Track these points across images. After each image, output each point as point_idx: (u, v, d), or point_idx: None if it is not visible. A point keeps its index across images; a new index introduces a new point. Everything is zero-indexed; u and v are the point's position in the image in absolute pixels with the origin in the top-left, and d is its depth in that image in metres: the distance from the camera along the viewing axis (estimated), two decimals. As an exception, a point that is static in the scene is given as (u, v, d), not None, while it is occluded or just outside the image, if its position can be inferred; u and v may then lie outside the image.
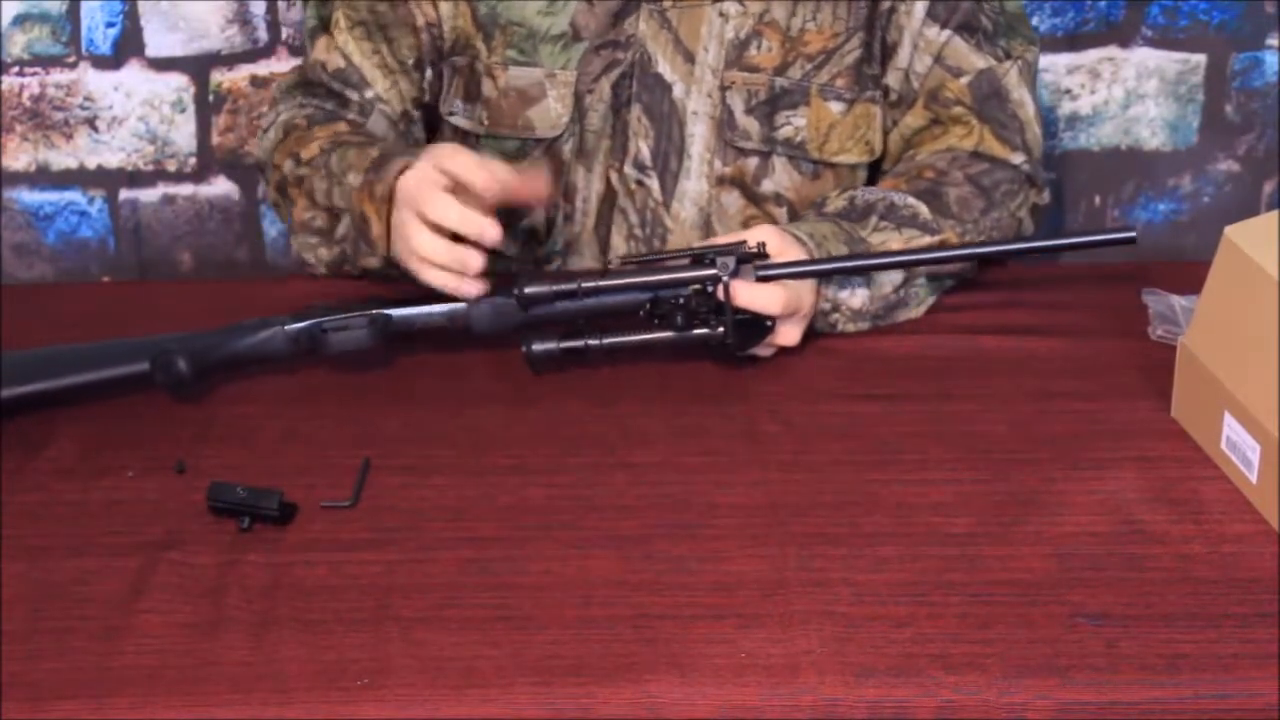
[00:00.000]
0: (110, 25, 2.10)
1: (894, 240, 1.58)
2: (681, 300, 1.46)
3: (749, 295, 1.46)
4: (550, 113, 1.67)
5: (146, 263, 2.21)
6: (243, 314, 1.49)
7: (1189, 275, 1.50)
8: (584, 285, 1.46)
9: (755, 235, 1.50)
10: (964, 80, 1.67)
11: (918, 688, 1.15)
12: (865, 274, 1.56)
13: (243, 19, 2.11)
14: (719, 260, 1.45)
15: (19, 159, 2.15)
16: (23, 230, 2.19)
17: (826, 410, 1.46)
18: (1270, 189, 2.23)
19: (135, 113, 2.14)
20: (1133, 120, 2.20)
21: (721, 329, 1.45)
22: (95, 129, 2.14)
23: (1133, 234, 1.47)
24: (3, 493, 1.35)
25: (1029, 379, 1.51)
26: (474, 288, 1.46)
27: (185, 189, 2.19)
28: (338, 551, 1.28)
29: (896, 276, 1.58)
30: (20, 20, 2.09)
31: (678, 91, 1.66)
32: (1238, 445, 1.34)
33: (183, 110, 2.14)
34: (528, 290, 1.46)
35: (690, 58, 1.65)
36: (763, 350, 1.52)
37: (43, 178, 2.17)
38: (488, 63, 1.67)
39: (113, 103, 2.13)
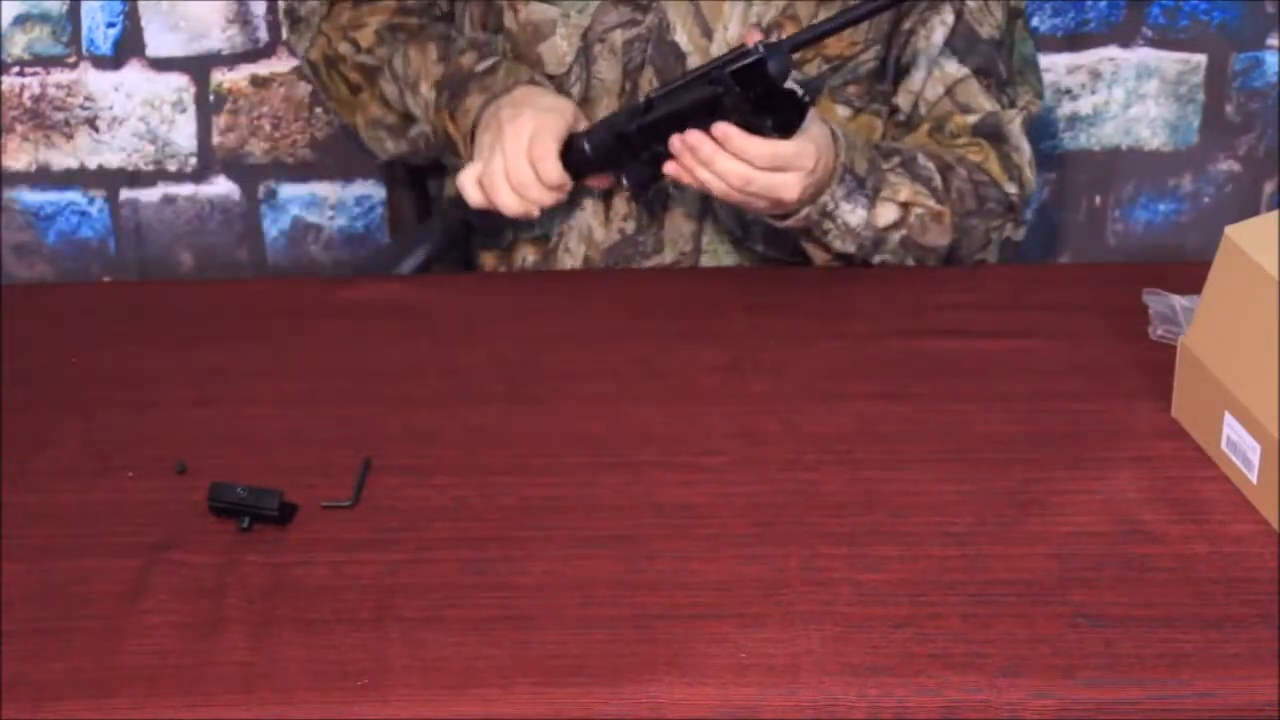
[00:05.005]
0: (111, 25, 2.10)
1: (904, 187, 1.62)
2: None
3: (769, 144, 1.52)
4: (556, 49, 1.68)
5: (147, 263, 2.21)
6: (242, 314, 1.49)
7: (1189, 275, 1.50)
8: (639, 124, 1.58)
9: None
10: (970, 119, 1.70)
11: (918, 688, 1.15)
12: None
13: (243, 19, 2.11)
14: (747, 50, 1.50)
15: (19, 159, 2.15)
16: (23, 230, 2.19)
17: (826, 410, 1.45)
18: (1270, 189, 2.23)
19: (136, 113, 2.14)
20: (1133, 120, 2.20)
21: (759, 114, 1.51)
22: (96, 129, 2.14)
23: None
24: (3, 493, 1.35)
25: (1029, 379, 1.50)
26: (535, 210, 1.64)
27: (186, 189, 2.19)
28: (338, 551, 1.28)
29: (893, 214, 1.62)
30: (21, 20, 2.09)
31: (691, 63, 1.66)
32: (1238, 445, 1.34)
33: (183, 110, 2.14)
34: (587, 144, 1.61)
35: (709, 33, 1.66)
36: (763, 195, 1.54)
37: (43, 178, 2.17)
38: None
39: (113, 103, 2.13)
